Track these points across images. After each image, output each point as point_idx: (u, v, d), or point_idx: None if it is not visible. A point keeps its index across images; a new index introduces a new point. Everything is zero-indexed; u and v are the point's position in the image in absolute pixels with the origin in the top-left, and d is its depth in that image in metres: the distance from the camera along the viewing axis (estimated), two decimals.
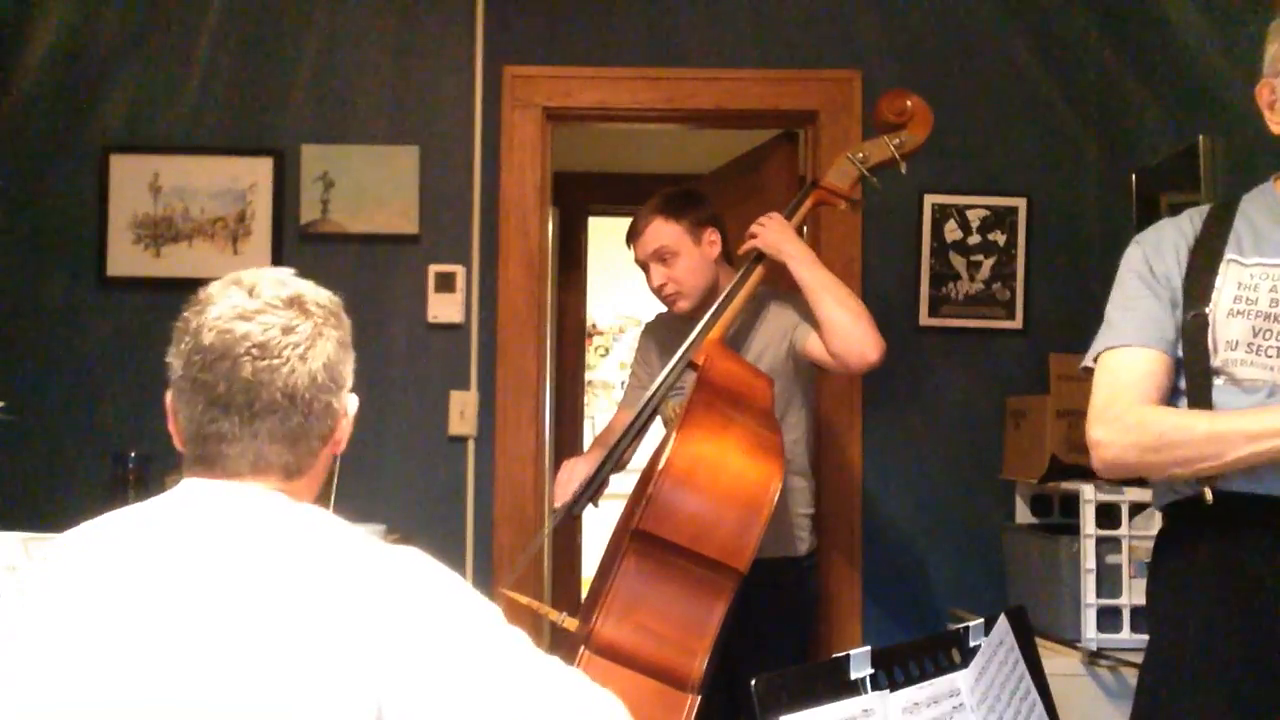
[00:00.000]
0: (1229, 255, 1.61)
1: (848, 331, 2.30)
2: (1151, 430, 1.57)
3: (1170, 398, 1.64)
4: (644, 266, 2.55)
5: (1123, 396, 1.61)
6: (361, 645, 1.04)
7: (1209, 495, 1.54)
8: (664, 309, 2.64)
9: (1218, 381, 1.57)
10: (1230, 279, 1.59)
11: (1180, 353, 1.62)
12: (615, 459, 2.40)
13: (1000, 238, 3.19)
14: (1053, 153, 3.22)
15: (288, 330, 1.15)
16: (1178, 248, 1.66)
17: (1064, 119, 3.22)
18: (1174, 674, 1.59)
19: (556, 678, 1.10)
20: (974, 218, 3.19)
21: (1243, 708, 1.51)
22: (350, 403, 1.24)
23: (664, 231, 2.49)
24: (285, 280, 1.20)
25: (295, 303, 1.17)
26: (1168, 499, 1.67)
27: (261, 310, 1.15)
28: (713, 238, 2.53)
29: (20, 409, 2.81)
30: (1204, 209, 1.71)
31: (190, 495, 1.16)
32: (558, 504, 2.42)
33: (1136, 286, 1.68)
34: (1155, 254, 1.67)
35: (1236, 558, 1.54)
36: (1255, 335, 1.55)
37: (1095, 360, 1.70)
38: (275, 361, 1.14)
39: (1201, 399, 1.58)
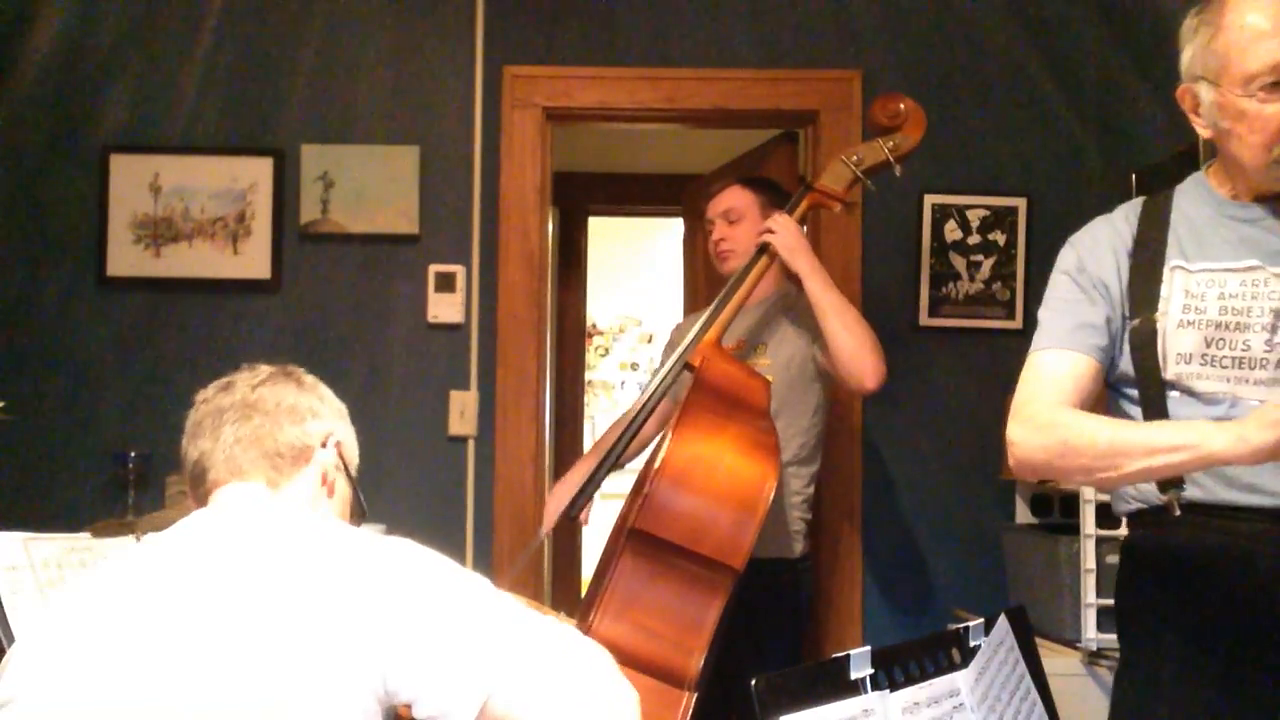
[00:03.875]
0: (1173, 262, 1.56)
1: (850, 358, 2.36)
2: (1058, 434, 1.52)
3: (1108, 405, 1.60)
4: (710, 224, 2.67)
5: (1041, 396, 1.58)
6: (361, 623, 1.13)
7: (1176, 509, 1.50)
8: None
9: (1173, 394, 1.53)
10: (1177, 288, 1.55)
11: (1121, 361, 1.59)
12: (613, 460, 2.40)
13: (1000, 238, 3.19)
14: (1053, 153, 3.22)
15: (249, 384, 1.39)
16: (1115, 250, 1.61)
17: (1064, 119, 3.21)
18: (1152, 688, 1.56)
19: (546, 633, 1.19)
20: (974, 218, 3.19)
21: None
22: (327, 429, 1.38)
23: (738, 196, 2.64)
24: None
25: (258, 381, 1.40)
26: (1131, 506, 1.63)
27: (231, 384, 1.39)
28: None
29: (20, 409, 2.81)
30: (1136, 204, 1.66)
31: (191, 518, 1.28)
32: (544, 529, 2.53)
33: (1068, 289, 1.63)
34: (1091, 257, 1.63)
35: (1211, 571, 1.50)
36: (1208, 346, 1.51)
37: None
38: (236, 392, 1.37)
39: (1156, 411, 1.54)
